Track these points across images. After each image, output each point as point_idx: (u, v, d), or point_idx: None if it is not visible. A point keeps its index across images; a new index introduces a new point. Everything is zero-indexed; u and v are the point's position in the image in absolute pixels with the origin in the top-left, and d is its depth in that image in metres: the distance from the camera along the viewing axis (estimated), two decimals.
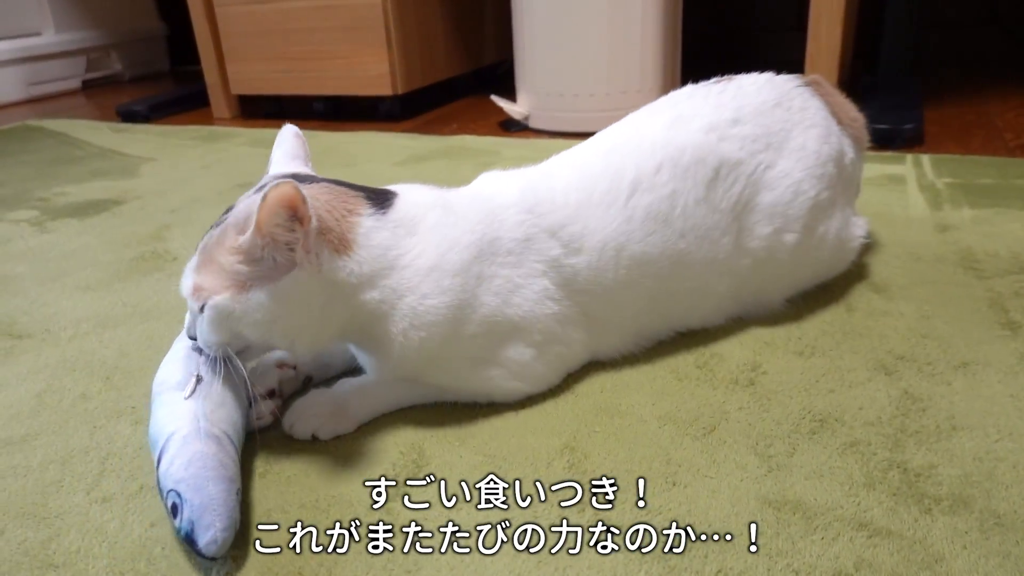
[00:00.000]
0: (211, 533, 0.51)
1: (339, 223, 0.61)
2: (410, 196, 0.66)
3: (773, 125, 0.76)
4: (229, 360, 0.62)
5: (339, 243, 0.60)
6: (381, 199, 0.65)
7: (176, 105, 2.31)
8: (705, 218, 0.72)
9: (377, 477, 0.60)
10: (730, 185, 0.73)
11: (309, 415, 0.66)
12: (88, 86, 2.93)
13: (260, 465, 0.63)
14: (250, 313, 0.59)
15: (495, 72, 2.43)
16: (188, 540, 0.51)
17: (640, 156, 0.72)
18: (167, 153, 1.72)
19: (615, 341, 0.73)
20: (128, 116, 2.20)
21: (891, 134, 1.42)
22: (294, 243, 0.57)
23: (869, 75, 1.86)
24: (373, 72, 1.90)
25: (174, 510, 0.52)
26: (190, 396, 0.60)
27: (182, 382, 0.62)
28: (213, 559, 0.51)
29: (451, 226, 0.65)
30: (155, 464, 0.56)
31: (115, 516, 0.58)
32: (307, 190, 0.58)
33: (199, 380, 0.61)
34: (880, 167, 1.26)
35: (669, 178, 0.71)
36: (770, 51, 2.45)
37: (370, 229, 0.62)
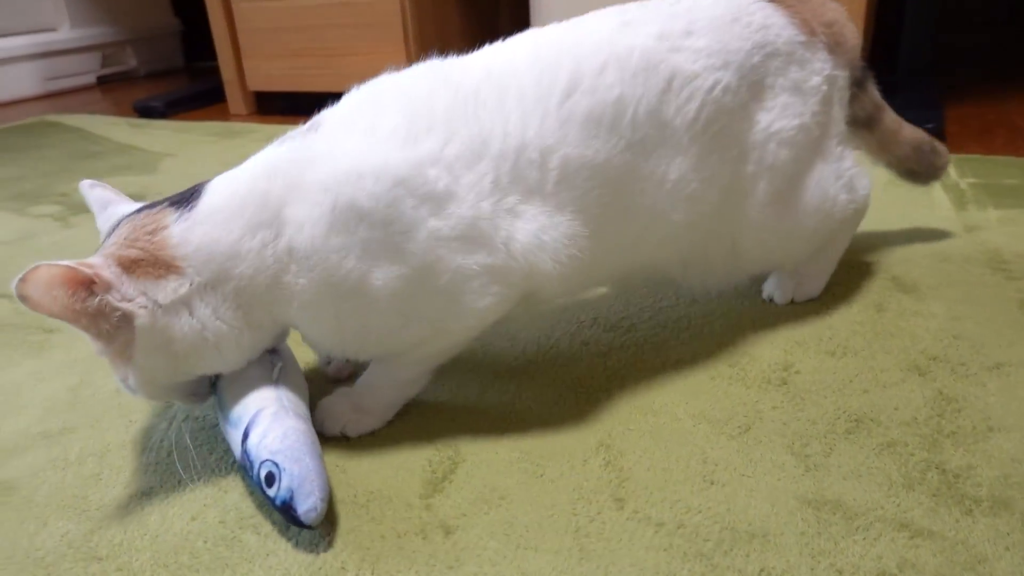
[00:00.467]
0: (311, 501, 0.52)
1: (148, 252, 0.57)
2: (224, 180, 0.61)
3: (731, 43, 0.69)
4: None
5: (158, 268, 0.56)
6: (186, 198, 0.60)
7: (192, 101, 2.31)
8: (657, 132, 0.65)
9: (414, 472, 0.60)
10: (685, 101, 0.66)
11: (336, 413, 0.66)
12: (103, 81, 2.94)
13: None
14: (152, 374, 0.59)
15: None
16: (285, 508, 0.53)
17: (580, 53, 0.64)
18: (185, 149, 1.72)
19: (563, 272, 0.63)
20: (145, 112, 2.20)
21: None
22: (110, 306, 0.55)
23: (888, 76, 1.85)
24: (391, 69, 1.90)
25: (269, 480, 0.54)
26: (276, 380, 0.61)
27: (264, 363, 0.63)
28: (310, 527, 0.53)
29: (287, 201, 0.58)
30: (240, 439, 0.57)
31: (155, 510, 0.58)
32: (100, 245, 0.58)
33: (280, 367, 0.63)
34: None
35: (616, 81, 0.63)
36: None
37: (183, 235, 0.57)
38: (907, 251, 0.94)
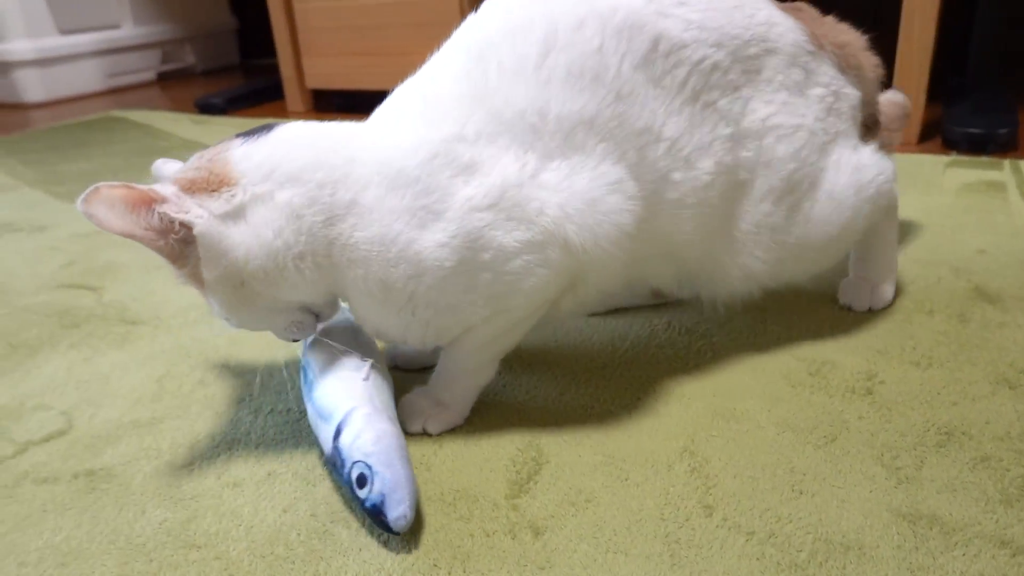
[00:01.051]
0: (401, 509, 0.53)
1: (207, 170, 0.59)
2: (298, 122, 0.64)
3: (728, 27, 0.67)
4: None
5: (215, 182, 0.59)
6: (257, 131, 0.62)
7: (251, 98, 2.36)
8: (645, 87, 0.63)
9: (498, 472, 0.61)
10: (672, 66, 0.64)
11: (417, 410, 0.67)
12: (163, 78, 3.01)
13: None
14: (227, 296, 0.60)
15: None
16: (375, 512, 0.54)
17: (554, 11, 0.63)
18: None
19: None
20: (206, 108, 2.25)
21: (984, 139, 1.38)
22: (168, 218, 0.57)
23: (956, 76, 1.80)
24: None
25: (360, 481, 0.55)
26: (367, 379, 0.62)
27: (352, 364, 0.64)
28: (397, 534, 0.54)
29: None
30: (331, 436, 0.58)
31: (248, 501, 0.60)
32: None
33: (372, 365, 0.64)
34: (977, 173, 1.23)
35: (595, 34, 0.62)
36: None
37: (244, 154, 0.59)
38: (987, 259, 0.92)
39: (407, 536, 0.55)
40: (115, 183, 0.56)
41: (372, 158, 0.60)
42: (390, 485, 0.54)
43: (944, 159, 1.32)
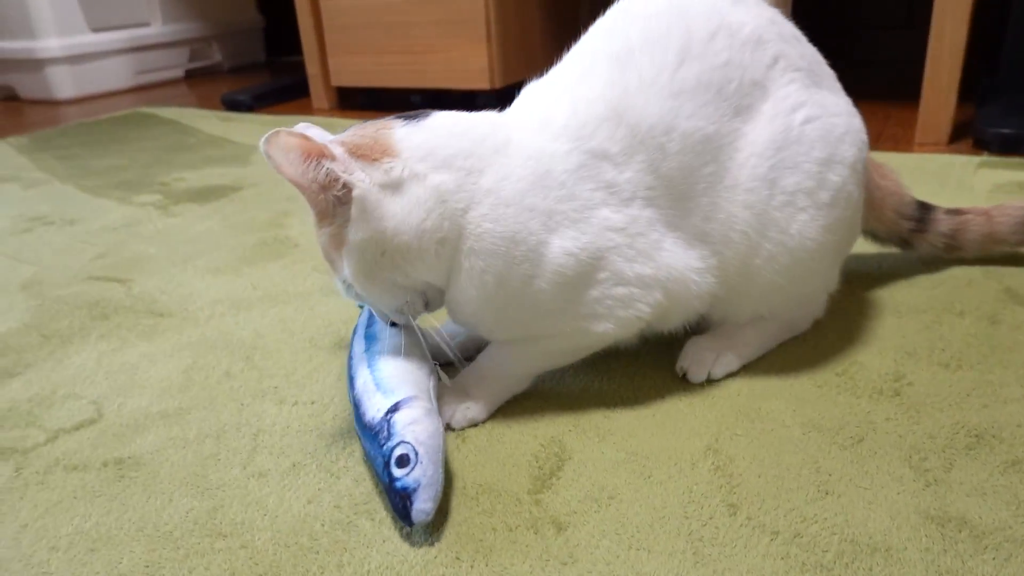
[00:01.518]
0: (429, 504, 0.54)
1: (372, 139, 0.62)
2: (452, 113, 0.66)
3: (820, 69, 0.72)
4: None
5: (377, 152, 0.61)
6: (415, 116, 0.65)
7: (277, 95, 2.38)
8: (760, 101, 0.66)
9: (520, 467, 0.61)
10: (787, 82, 0.67)
11: (445, 403, 0.67)
12: (190, 75, 3.05)
13: None
14: (363, 263, 0.62)
15: None
16: (403, 494, 0.54)
17: (690, 21, 0.65)
18: None
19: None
20: (232, 105, 2.28)
21: (1016, 139, 1.36)
22: (334, 175, 0.59)
23: (989, 76, 1.77)
24: (472, 66, 1.92)
25: (401, 461, 0.55)
26: (432, 380, 0.65)
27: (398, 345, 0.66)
28: (411, 524, 0.54)
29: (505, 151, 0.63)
30: (386, 408, 0.60)
31: (273, 491, 0.61)
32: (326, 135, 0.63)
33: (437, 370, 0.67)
34: (1009, 174, 1.21)
35: (724, 47, 0.65)
36: (875, 49, 2.36)
37: (407, 133, 0.62)
38: (1019, 261, 0.90)
39: (430, 528, 0.55)
40: (294, 131, 0.59)
41: (521, 153, 0.63)
42: (428, 479, 0.54)
43: (975, 159, 1.30)
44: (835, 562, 0.50)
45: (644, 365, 0.74)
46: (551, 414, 0.68)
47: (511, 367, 0.68)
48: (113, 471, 0.64)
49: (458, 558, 0.53)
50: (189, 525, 0.58)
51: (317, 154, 0.59)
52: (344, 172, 0.59)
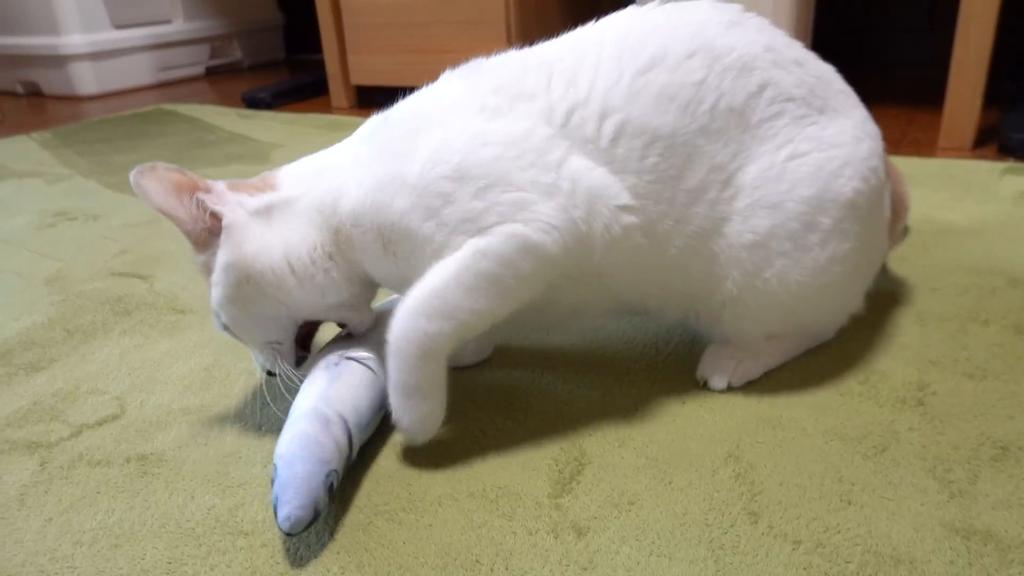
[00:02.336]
0: (287, 509, 0.53)
1: (260, 178, 0.67)
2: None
3: (825, 92, 0.67)
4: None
5: (260, 186, 0.66)
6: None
7: (296, 93, 2.39)
8: (736, 129, 0.63)
9: (540, 471, 0.61)
10: (773, 114, 0.64)
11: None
12: (211, 72, 3.07)
13: (429, 452, 0.64)
14: (231, 290, 0.64)
15: None
16: (274, 511, 0.54)
17: (672, 36, 0.64)
18: (294, 140, 1.78)
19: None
20: (252, 103, 2.29)
21: None
22: (204, 205, 0.63)
23: (1014, 82, 1.75)
24: None
25: (273, 480, 0.56)
26: (335, 377, 0.63)
27: (327, 361, 0.65)
28: (289, 535, 0.54)
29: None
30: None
31: None
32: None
33: (348, 359, 0.65)
34: None
35: (702, 67, 0.63)
36: (897, 52, 2.34)
37: (288, 168, 0.68)
38: None
39: (450, 530, 0.55)
40: (170, 166, 0.63)
41: (401, 122, 0.67)
42: (281, 485, 0.54)
43: (1000, 166, 1.28)
44: (858, 573, 0.50)
45: (663, 372, 0.74)
46: (570, 418, 0.67)
47: (423, 305, 0.60)
48: (136, 467, 0.65)
49: (478, 561, 0.53)
50: (211, 522, 0.58)
51: (190, 187, 0.63)
52: (215, 203, 0.63)
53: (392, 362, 0.60)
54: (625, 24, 0.67)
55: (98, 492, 0.62)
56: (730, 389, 0.70)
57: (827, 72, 0.70)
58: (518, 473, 0.61)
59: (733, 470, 0.60)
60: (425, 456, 0.64)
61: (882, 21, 2.36)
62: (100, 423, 0.72)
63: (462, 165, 0.60)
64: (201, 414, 0.72)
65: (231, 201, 0.64)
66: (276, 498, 0.54)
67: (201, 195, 0.63)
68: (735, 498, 0.57)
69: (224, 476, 0.63)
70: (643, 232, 0.63)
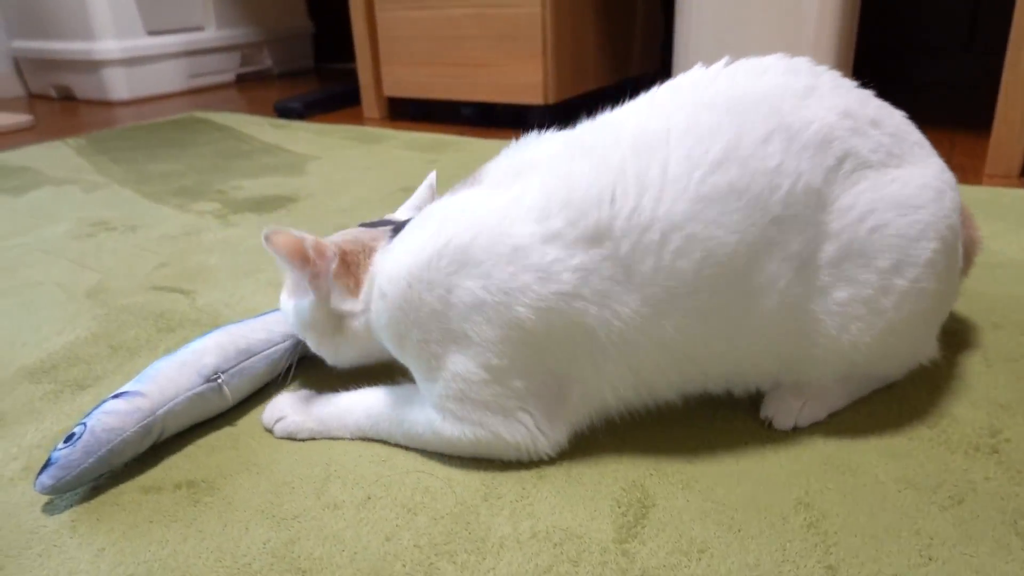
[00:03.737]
0: (48, 480, 0.61)
1: (357, 264, 0.70)
2: (411, 224, 0.69)
3: (901, 148, 0.64)
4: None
5: (353, 287, 0.69)
6: (399, 228, 0.70)
7: (328, 103, 2.39)
8: (811, 212, 0.60)
9: (602, 512, 0.59)
10: (853, 183, 0.61)
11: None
12: (241, 79, 3.09)
13: (485, 488, 0.63)
14: (290, 317, 0.74)
15: (637, 85, 2.40)
16: (47, 461, 0.62)
17: (746, 119, 0.60)
18: (328, 152, 1.78)
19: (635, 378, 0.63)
20: (284, 112, 2.30)
21: None
22: (307, 278, 0.69)
23: None
24: (526, 81, 1.92)
25: (68, 437, 0.63)
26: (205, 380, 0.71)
27: (207, 368, 0.72)
28: (37, 491, 0.62)
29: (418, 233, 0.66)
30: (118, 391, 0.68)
31: (348, 525, 0.59)
32: (336, 237, 0.72)
33: (220, 384, 0.72)
34: None
35: (778, 151, 0.59)
36: (935, 73, 2.31)
37: (376, 261, 0.69)
38: None
39: (519, 571, 0.54)
40: (294, 234, 0.67)
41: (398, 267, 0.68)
42: (65, 460, 0.61)
43: None
44: None
45: (725, 410, 0.72)
46: (630, 457, 0.66)
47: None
48: (186, 494, 0.64)
49: None
50: (267, 558, 0.57)
51: (305, 259, 0.68)
52: (312, 281, 0.69)
53: None
54: (693, 105, 0.63)
55: (150, 521, 0.61)
56: (794, 430, 0.68)
57: (902, 125, 0.67)
58: (580, 514, 0.59)
59: (805, 518, 0.58)
60: (482, 492, 0.62)
61: (919, 42, 2.33)
62: (148, 446, 0.71)
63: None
64: (250, 440, 0.71)
65: (324, 288, 0.69)
66: (54, 460, 0.61)
67: (307, 272, 0.69)
68: (809, 549, 0.55)
69: (277, 507, 0.62)
70: (699, 346, 0.63)
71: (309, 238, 0.68)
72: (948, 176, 0.67)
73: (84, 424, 0.63)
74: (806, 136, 0.61)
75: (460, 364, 0.62)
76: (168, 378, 0.69)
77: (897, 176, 0.63)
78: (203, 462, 0.68)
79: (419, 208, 0.79)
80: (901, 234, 0.62)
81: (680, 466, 0.64)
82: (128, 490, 0.65)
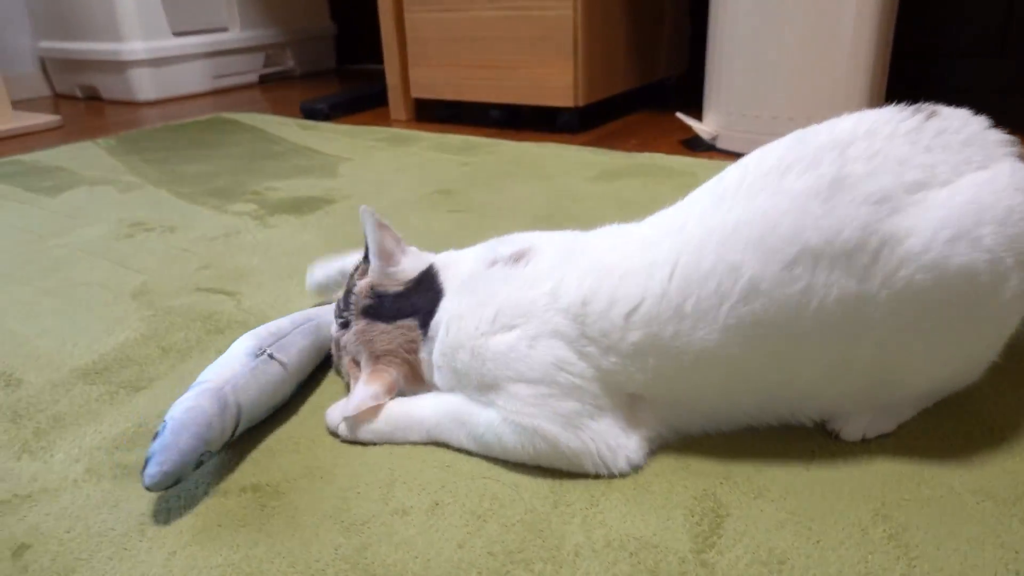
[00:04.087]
0: (155, 468, 0.60)
1: (411, 366, 0.73)
2: (446, 304, 0.71)
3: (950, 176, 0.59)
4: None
5: (414, 377, 0.73)
6: (426, 318, 0.72)
7: (353, 104, 2.39)
8: (848, 310, 0.58)
9: (675, 521, 0.58)
10: (893, 270, 0.57)
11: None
12: (263, 80, 3.09)
13: (553, 494, 0.62)
14: None
15: (663, 87, 2.40)
16: (144, 462, 0.61)
17: (770, 246, 0.58)
18: (359, 154, 1.78)
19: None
20: (310, 113, 2.30)
21: None
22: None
23: None
24: (556, 83, 1.91)
25: (157, 434, 0.63)
26: (250, 366, 0.71)
27: (251, 348, 0.73)
28: (148, 489, 0.61)
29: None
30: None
31: (418, 531, 0.59)
32: (386, 343, 0.72)
33: (270, 356, 0.73)
34: None
35: (805, 272, 0.57)
36: (965, 78, 2.29)
37: (429, 359, 0.72)
38: None
39: None
40: (362, 400, 0.70)
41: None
42: (163, 445, 0.61)
43: None
44: None
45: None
46: (697, 465, 0.65)
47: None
48: (252, 498, 0.64)
49: None
50: (341, 564, 0.56)
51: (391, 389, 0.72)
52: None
53: None
54: (718, 241, 0.60)
55: (219, 525, 0.61)
56: (863, 440, 0.67)
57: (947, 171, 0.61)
58: (652, 522, 0.59)
59: (884, 530, 0.57)
60: (551, 500, 0.62)
61: (951, 46, 2.31)
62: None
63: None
64: (311, 444, 0.71)
65: (402, 384, 0.74)
66: (152, 453, 0.61)
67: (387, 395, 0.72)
68: (892, 562, 0.54)
69: (344, 513, 0.62)
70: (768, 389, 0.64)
71: (379, 392, 0.71)
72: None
73: (165, 420, 0.64)
74: (839, 243, 0.57)
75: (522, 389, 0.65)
76: (221, 368, 0.70)
77: (960, 186, 0.59)
78: (266, 466, 0.68)
79: (391, 254, 0.76)
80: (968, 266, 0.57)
81: (749, 475, 0.63)
82: (195, 493, 0.65)
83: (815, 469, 0.64)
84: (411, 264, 0.76)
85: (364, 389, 0.70)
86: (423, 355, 0.72)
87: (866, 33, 1.53)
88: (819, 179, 0.59)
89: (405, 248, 0.77)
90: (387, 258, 0.75)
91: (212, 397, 0.66)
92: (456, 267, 0.75)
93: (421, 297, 0.73)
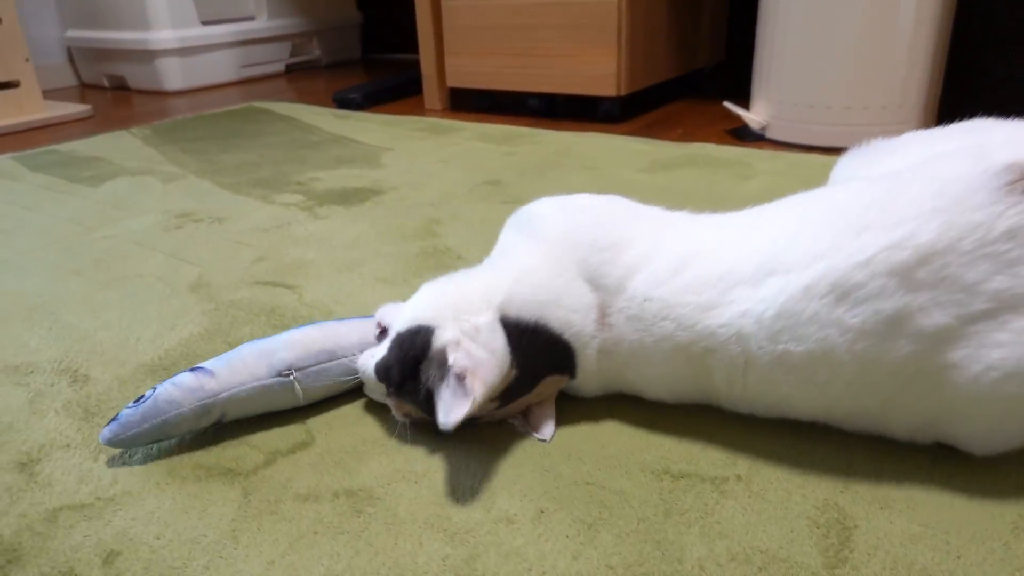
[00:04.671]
0: (111, 435, 0.65)
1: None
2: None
3: None
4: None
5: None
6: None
7: (386, 94, 2.36)
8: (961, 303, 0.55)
9: (800, 534, 0.55)
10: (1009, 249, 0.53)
11: None
12: (290, 70, 3.06)
13: (666, 504, 0.59)
14: None
15: (702, 75, 2.35)
16: (113, 419, 0.66)
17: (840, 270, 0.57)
18: (400, 144, 1.75)
19: None
20: (343, 103, 2.27)
21: None
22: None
23: None
24: (598, 71, 1.87)
25: (139, 398, 0.66)
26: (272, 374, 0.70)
27: (282, 363, 0.71)
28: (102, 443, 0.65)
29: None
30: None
31: (528, 541, 0.56)
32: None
33: (295, 380, 0.71)
34: None
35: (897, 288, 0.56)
36: (1002, 65, 2.23)
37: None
38: None
39: None
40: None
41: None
42: (126, 420, 0.65)
43: None
44: None
45: None
46: (812, 472, 0.62)
47: None
48: (347, 504, 0.61)
49: None
50: (450, 575, 0.53)
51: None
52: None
53: None
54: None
55: (315, 532, 0.58)
56: None
57: None
58: (775, 534, 0.56)
59: None
60: (663, 508, 0.59)
61: (1001, 34, 2.25)
62: (292, 450, 0.68)
63: None
64: (399, 447, 0.68)
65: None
66: (119, 417, 0.65)
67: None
68: None
69: (446, 520, 0.59)
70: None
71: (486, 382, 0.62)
72: None
73: (154, 389, 0.66)
74: (922, 272, 0.55)
75: None
76: (244, 363, 0.69)
77: None
78: (355, 469, 0.65)
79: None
80: None
81: (870, 485, 0.60)
82: (284, 498, 0.62)
83: (940, 479, 0.60)
84: None
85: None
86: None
87: (927, 19, 1.48)
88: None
89: None
90: None
91: (199, 400, 0.66)
92: None
93: None
